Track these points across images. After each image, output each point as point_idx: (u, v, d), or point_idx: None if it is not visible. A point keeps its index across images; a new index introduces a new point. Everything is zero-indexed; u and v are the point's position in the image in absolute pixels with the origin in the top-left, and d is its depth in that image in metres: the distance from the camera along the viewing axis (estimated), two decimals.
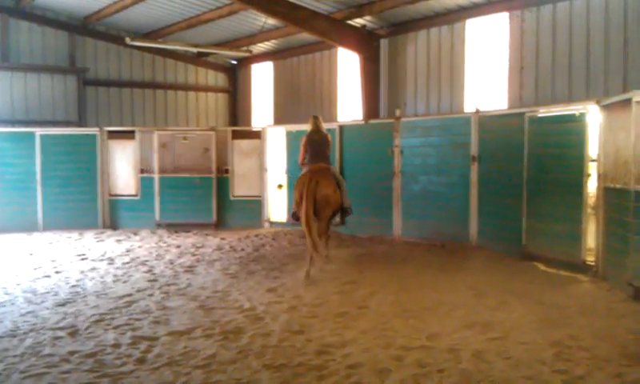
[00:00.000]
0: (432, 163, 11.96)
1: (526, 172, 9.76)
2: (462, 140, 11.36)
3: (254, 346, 6.03)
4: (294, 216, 9.88)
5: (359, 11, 14.58)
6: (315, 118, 10.14)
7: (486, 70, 13.85)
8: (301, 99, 18.36)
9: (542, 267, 9.24)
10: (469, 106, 13.71)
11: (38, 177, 14.12)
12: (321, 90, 17.76)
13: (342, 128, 13.54)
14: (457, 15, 14.02)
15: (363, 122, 13.56)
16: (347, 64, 16.78)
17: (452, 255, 10.46)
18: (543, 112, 9.68)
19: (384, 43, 15.65)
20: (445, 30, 14.43)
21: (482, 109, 11.55)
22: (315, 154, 9.82)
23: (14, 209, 14.07)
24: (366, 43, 15.06)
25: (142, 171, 14.31)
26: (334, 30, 14.81)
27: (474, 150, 11.15)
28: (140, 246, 12.07)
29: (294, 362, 5.59)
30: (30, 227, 13.99)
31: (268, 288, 8.42)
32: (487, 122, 11.05)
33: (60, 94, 17.39)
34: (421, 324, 6.59)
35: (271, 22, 15.74)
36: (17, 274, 9.68)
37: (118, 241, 12.78)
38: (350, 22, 14.98)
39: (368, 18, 14.92)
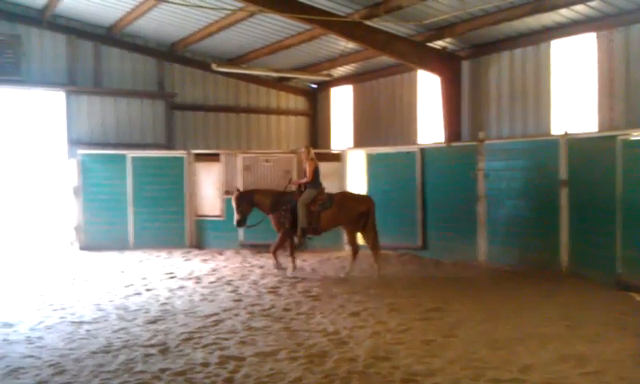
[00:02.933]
0: (518, 187, 11.64)
1: (619, 197, 9.33)
2: (550, 163, 11.01)
3: (339, 371, 6.01)
4: (307, 232, 11.28)
5: (440, 33, 14.47)
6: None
7: (573, 92, 13.39)
8: (380, 122, 18.34)
9: (638, 298, 8.76)
10: (556, 129, 13.28)
11: (129, 197, 14.78)
12: (401, 113, 17.69)
13: (422, 151, 13.43)
14: (541, 36, 13.65)
15: (445, 145, 13.39)
16: (428, 86, 16.66)
17: (541, 283, 10.07)
18: (637, 135, 9.26)
19: (465, 65, 15.45)
20: (529, 51, 14.07)
21: (570, 131, 11.17)
22: (319, 178, 11.48)
23: (107, 228, 14.76)
24: (447, 65, 14.91)
25: (226, 193, 14.68)
26: (414, 53, 14.76)
27: (562, 173, 10.78)
28: (225, 266, 12.34)
29: None
30: (121, 246, 14.62)
31: (351, 312, 8.40)
32: (577, 144, 10.67)
33: (149, 118, 18.13)
34: (512, 356, 6.37)
35: (351, 45, 15.88)
36: (109, 291, 10.10)
37: (204, 260, 13.13)
38: (430, 44, 14.89)
39: (449, 39, 14.79)
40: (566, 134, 10.96)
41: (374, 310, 8.52)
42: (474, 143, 12.54)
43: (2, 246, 14.87)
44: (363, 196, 11.86)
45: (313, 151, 11.70)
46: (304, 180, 11.57)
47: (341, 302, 9.07)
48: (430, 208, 13.16)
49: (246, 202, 11.62)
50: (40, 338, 7.35)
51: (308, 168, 11.44)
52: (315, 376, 5.92)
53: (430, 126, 16.69)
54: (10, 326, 7.86)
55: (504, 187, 11.82)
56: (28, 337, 7.36)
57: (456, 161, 12.77)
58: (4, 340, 7.23)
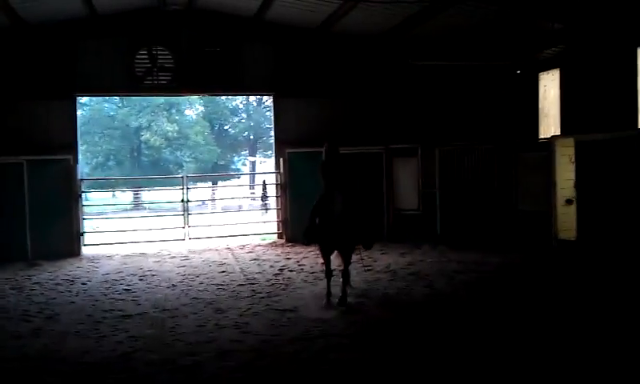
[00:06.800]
0: None
1: None
2: None
3: None
4: None
5: None
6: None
7: None
8: (593, 106, 16.56)
9: None
10: None
11: None
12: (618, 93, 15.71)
13: None
14: None
15: None
16: None
17: None
18: None
19: None
20: None
21: None
22: None
23: None
24: None
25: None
26: None
27: None
28: (421, 260, 12.22)
29: None
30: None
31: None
32: None
33: (342, 117, 18.43)
34: None
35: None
36: (311, 281, 10.58)
37: (402, 254, 13.15)
38: None
39: None
40: None
41: None
42: None
43: (215, 237, 16.20)
44: None
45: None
46: None
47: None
48: None
49: None
50: (246, 323, 7.88)
51: None
52: None
53: None
54: (222, 312, 8.56)
55: None
56: (236, 322, 7.94)
57: None
58: (216, 325, 7.88)
